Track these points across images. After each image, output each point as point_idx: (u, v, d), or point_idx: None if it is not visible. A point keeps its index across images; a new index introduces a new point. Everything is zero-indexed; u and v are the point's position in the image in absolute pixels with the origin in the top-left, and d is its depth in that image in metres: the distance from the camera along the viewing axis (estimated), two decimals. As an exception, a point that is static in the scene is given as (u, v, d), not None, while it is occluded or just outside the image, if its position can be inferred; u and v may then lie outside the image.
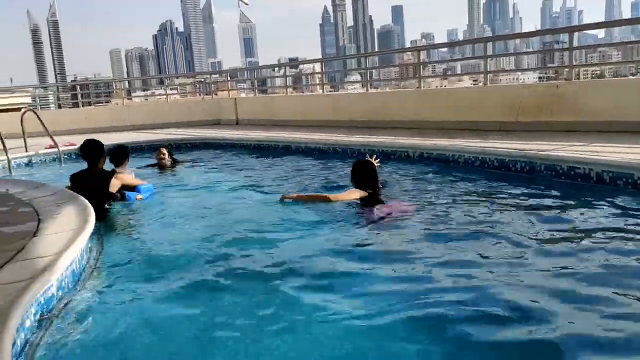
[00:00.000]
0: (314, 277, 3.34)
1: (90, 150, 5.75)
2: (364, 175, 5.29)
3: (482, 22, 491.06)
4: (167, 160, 8.24)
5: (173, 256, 3.91)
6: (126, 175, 6.13)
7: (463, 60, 38.10)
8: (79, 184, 5.63)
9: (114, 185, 5.74)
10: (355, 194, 5.13)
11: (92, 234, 3.87)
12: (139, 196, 6.01)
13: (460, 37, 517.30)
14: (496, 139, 7.69)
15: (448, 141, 7.90)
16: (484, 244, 3.78)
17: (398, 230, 4.27)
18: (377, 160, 5.85)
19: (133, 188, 5.98)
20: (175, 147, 10.74)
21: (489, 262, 3.42)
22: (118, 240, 4.46)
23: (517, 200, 5.04)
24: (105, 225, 4.82)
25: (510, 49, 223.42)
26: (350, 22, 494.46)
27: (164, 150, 8.31)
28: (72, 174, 5.79)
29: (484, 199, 5.12)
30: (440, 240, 3.92)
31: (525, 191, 5.33)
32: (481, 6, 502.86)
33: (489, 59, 10.32)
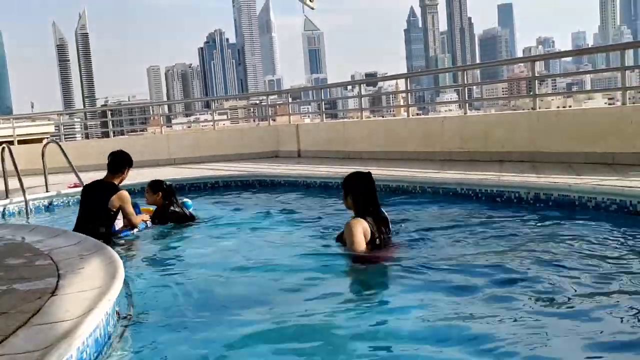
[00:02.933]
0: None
1: (115, 156, 7.04)
2: (362, 187, 5.55)
3: (618, 23, 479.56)
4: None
5: (226, 324, 4.01)
6: (128, 197, 6.96)
7: (594, 72, 37.18)
8: (83, 197, 7.09)
9: (113, 204, 6.78)
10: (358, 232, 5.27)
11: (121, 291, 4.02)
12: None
13: (590, 42, 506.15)
14: (639, 176, 7.43)
15: (574, 178, 7.70)
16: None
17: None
18: None
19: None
20: (223, 185, 11.09)
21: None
22: (153, 296, 4.61)
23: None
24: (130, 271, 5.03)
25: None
26: (443, 26, 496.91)
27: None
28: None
29: (627, 260, 4.91)
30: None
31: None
32: (617, 2, 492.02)
33: (628, 70, 10.03)
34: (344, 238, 5.37)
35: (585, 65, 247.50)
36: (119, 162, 7.03)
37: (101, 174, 8.27)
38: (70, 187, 10.58)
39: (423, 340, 3.55)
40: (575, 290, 4.18)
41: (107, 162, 7.05)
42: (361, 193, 5.53)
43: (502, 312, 3.88)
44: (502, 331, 3.57)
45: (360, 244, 5.17)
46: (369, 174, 5.67)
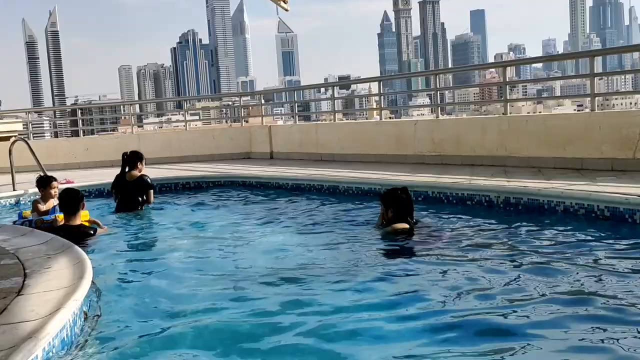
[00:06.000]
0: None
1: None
2: (403, 204, 6.13)
3: (588, 31, 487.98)
4: None
5: (190, 322, 4.00)
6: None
7: (563, 79, 37.71)
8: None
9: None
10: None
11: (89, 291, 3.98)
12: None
13: (560, 49, 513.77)
14: (606, 181, 7.54)
15: (543, 182, 7.79)
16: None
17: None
18: None
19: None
20: (194, 186, 11.02)
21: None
22: (121, 299, 4.56)
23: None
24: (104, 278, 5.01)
25: (627, 66, 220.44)
26: (416, 31, 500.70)
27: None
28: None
29: (592, 263, 4.98)
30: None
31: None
32: (587, 11, 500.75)
33: (597, 77, 10.18)
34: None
35: (555, 72, 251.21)
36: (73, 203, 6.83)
37: (69, 173, 8.27)
38: (61, 183, 10.42)
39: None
40: (536, 290, 4.26)
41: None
42: (402, 208, 6.12)
43: (464, 314, 3.93)
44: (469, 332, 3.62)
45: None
46: (406, 189, 6.26)
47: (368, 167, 11.19)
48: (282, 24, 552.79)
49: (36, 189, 10.23)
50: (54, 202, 7.78)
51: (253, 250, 6.12)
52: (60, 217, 7.07)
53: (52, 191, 8.05)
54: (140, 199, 8.66)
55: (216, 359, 3.47)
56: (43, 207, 7.74)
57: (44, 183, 8.15)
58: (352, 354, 3.44)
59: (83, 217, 7.05)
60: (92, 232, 6.74)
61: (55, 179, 8.30)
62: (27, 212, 7.71)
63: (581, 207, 6.61)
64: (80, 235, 6.47)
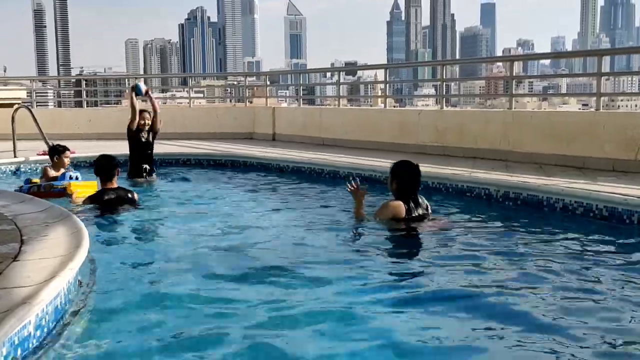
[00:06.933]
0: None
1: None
2: (406, 179, 5.96)
3: (598, 31, 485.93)
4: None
5: (183, 295, 4.02)
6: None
7: (570, 76, 37.59)
8: None
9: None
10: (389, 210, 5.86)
11: (84, 261, 3.99)
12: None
13: (568, 47, 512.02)
14: (607, 182, 7.54)
15: (543, 179, 7.78)
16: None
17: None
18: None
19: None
20: (195, 163, 11.04)
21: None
22: (116, 270, 4.58)
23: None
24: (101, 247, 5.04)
25: (635, 67, 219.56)
26: (426, 21, 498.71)
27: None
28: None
29: (591, 263, 4.99)
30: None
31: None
32: (598, 10, 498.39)
33: (604, 77, 10.14)
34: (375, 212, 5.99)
35: (562, 69, 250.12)
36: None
37: (72, 144, 8.26)
38: (39, 155, 10.43)
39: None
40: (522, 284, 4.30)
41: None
42: (406, 182, 5.98)
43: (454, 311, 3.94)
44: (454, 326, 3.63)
45: (383, 217, 5.86)
46: (417, 166, 6.09)
47: (370, 153, 11.18)
48: (292, 6, 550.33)
49: (36, 157, 10.30)
50: (63, 169, 7.83)
51: (250, 231, 6.13)
52: (73, 184, 7.08)
53: (66, 160, 8.11)
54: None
55: (207, 330, 3.49)
56: (53, 172, 7.79)
57: (58, 151, 8.18)
58: (346, 335, 3.47)
59: (92, 187, 7.06)
60: (129, 195, 6.90)
61: (68, 149, 8.35)
62: (35, 180, 7.70)
63: (580, 205, 6.61)
64: (125, 200, 6.76)
